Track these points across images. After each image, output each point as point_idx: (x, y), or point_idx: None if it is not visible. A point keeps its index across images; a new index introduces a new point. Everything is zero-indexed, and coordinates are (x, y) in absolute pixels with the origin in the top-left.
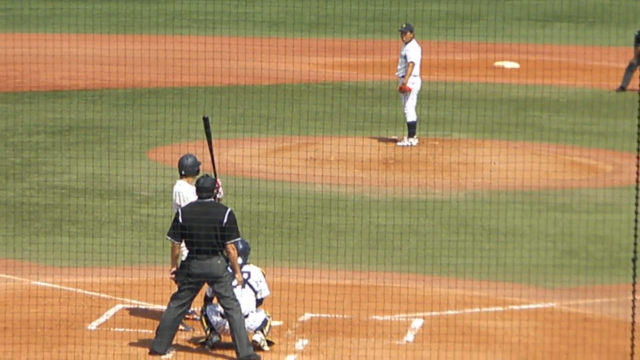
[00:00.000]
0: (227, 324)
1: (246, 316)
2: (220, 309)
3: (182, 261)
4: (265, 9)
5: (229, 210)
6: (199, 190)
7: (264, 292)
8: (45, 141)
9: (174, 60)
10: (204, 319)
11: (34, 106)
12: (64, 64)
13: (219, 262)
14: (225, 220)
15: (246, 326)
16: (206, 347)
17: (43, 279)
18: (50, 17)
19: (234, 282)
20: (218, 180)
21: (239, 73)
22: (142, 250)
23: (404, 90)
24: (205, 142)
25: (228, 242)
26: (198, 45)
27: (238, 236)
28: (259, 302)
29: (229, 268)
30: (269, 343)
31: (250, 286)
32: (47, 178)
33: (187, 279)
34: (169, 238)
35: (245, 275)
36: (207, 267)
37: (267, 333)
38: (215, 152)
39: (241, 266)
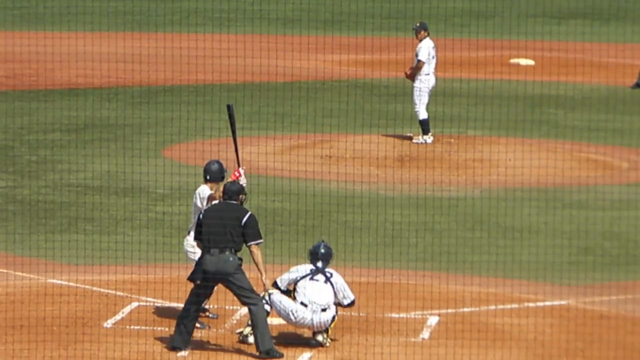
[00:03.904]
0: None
1: (324, 309)
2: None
3: (197, 260)
4: (280, 6)
5: (249, 213)
6: (225, 192)
7: (350, 296)
8: (60, 139)
9: (189, 57)
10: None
11: (49, 104)
12: (80, 62)
13: (230, 258)
14: (244, 220)
15: (318, 321)
16: (240, 338)
17: (59, 277)
18: (66, 15)
19: (262, 292)
20: (240, 169)
21: (254, 70)
22: (157, 248)
23: (407, 76)
24: (221, 138)
25: (251, 243)
26: (213, 42)
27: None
28: (349, 306)
29: (242, 270)
30: (331, 339)
31: (331, 284)
32: (62, 176)
33: (202, 275)
34: (197, 241)
35: (328, 274)
36: (220, 263)
37: (330, 328)
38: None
39: (322, 269)
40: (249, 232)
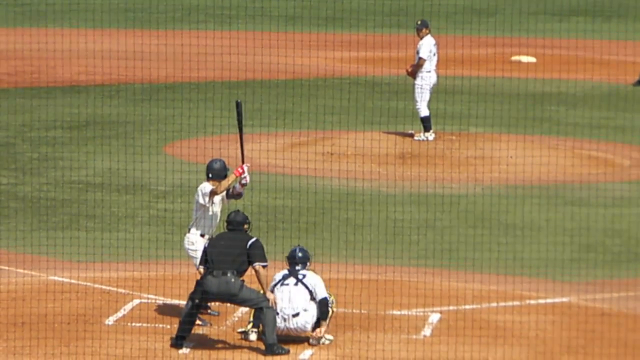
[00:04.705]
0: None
1: (296, 314)
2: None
3: (198, 280)
4: (282, 4)
5: (256, 238)
6: (229, 222)
7: (320, 294)
8: (62, 136)
9: (190, 55)
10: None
11: (51, 101)
12: (81, 59)
13: (232, 280)
14: (250, 242)
15: (293, 327)
16: (242, 337)
17: (60, 274)
18: (67, 12)
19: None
20: (244, 165)
21: (255, 68)
22: (159, 245)
23: (409, 74)
24: (223, 135)
25: (256, 263)
26: (214, 40)
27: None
28: (321, 306)
29: (244, 287)
30: (329, 339)
31: (305, 285)
32: (64, 173)
33: (203, 295)
34: (200, 267)
35: (301, 276)
36: (222, 285)
37: (328, 324)
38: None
39: (295, 272)
40: (254, 254)
